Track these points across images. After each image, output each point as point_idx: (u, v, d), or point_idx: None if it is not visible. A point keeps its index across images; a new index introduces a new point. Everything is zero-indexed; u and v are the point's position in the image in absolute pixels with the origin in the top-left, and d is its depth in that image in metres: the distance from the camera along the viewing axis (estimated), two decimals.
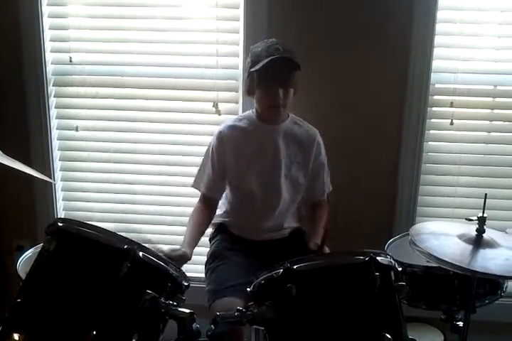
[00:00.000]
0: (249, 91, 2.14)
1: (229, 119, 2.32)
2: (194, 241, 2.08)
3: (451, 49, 2.43)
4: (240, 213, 2.24)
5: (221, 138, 2.19)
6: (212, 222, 2.27)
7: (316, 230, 2.12)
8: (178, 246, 1.99)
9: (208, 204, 2.25)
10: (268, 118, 2.18)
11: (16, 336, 1.36)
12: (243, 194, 2.22)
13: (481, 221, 1.82)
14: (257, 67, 2.04)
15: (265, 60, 2.02)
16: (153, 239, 2.71)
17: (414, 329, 1.53)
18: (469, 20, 2.39)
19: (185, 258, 1.92)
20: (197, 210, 2.22)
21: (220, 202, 2.29)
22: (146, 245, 1.46)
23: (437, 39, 2.40)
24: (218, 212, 2.29)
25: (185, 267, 1.53)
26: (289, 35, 2.36)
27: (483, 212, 1.82)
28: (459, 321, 1.94)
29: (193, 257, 2.31)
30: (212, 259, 2.16)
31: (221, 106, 2.54)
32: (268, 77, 2.05)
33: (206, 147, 2.27)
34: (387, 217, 2.57)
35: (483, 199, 1.84)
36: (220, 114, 2.54)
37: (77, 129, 2.67)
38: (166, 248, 1.92)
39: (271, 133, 2.18)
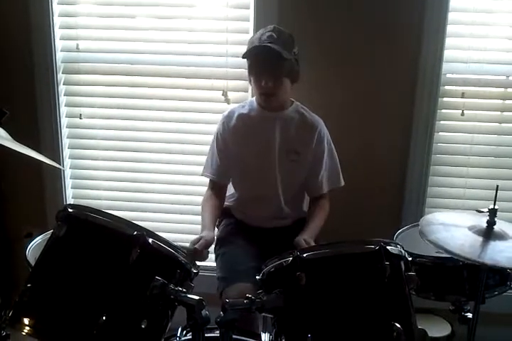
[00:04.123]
0: (248, 77, 2.15)
1: (234, 106, 2.33)
2: (212, 224, 2.13)
3: (463, 38, 2.41)
4: (242, 198, 2.26)
5: (224, 123, 2.22)
6: None
7: (307, 226, 2.10)
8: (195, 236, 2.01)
9: (217, 190, 2.27)
10: (262, 104, 2.18)
11: (26, 320, 1.37)
12: (242, 179, 2.24)
13: (492, 213, 1.81)
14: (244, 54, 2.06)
15: (250, 47, 2.04)
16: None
17: (421, 320, 1.53)
18: (482, 9, 2.37)
19: (209, 242, 1.98)
20: (208, 197, 2.25)
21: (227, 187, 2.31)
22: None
23: (449, 28, 2.38)
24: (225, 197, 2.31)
25: None
26: (299, 24, 2.34)
27: (495, 204, 1.80)
28: (467, 312, 1.94)
29: None
30: (219, 245, 2.19)
31: (230, 94, 2.53)
32: (253, 65, 2.08)
33: None
34: (396, 208, 2.56)
35: (493, 191, 1.82)
36: (229, 103, 2.52)
37: (80, 117, 2.67)
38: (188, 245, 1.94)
39: (268, 120, 2.18)
